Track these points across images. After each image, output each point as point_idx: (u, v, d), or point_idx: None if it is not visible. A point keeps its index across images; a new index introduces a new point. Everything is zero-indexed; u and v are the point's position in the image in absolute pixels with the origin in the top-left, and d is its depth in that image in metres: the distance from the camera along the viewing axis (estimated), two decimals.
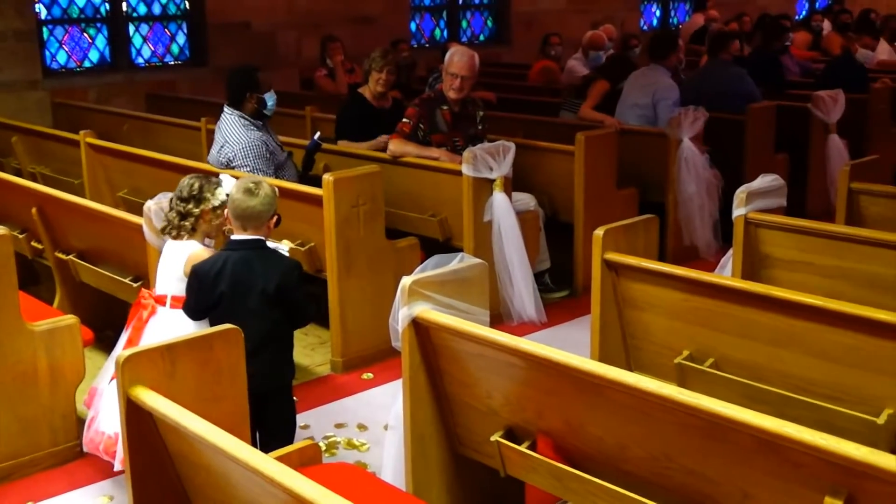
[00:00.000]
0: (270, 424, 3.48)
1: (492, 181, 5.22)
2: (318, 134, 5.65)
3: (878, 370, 3.04)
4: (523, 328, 5.24)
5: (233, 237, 3.49)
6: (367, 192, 4.78)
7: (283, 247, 3.62)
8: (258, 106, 5.24)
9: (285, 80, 9.51)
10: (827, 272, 3.97)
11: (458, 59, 5.57)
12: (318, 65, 9.27)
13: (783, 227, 4.10)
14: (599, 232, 3.64)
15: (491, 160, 5.17)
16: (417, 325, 3.05)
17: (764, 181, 4.22)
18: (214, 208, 3.59)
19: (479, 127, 5.76)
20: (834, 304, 3.16)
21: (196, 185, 3.61)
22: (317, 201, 4.75)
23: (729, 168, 6.53)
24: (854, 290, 3.82)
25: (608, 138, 5.91)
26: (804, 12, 15.85)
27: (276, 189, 3.54)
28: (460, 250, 3.87)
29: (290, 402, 3.66)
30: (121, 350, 3.65)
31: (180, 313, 3.54)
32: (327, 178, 4.68)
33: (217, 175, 3.76)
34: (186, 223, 3.62)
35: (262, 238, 3.47)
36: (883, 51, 10.29)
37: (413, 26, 11.43)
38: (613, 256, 3.64)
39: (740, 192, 4.15)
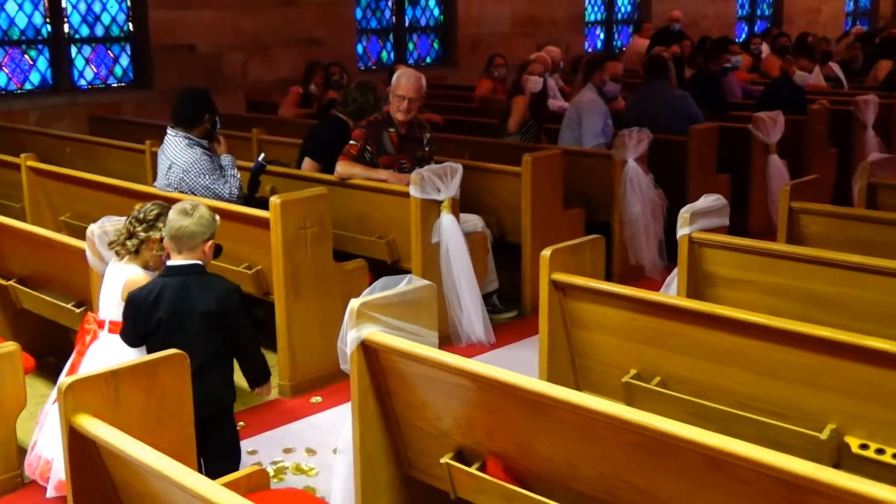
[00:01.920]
0: (214, 450, 3.43)
1: (439, 203, 5.23)
2: (262, 156, 5.62)
3: (820, 386, 3.09)
4: (472, 349, 5.24)
5: (169, 263, 3.45)
6: (314, 215, 4.76)
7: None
8: (211, 127, 5.23)
9: (231, 102, 9.47)
10: (769, 290, 4.04)
11: (405, 81, 5.59)
12: (268, 87, 9.26)
13: (726, 246, 4.17)
14: (546, 252, 3.66)
15: (438, 182, 5.19)
16: (366, 348, 3.04)
17: (707, 201, 4.28)
18: (161, 239, 3.54)
19: (426, 149, 5.78)
20: (776, 321, 3.21)
21: (154, 212, 3.60)
22: (264, 224, 4.72)
23: (673, 188, 6.62)
24: (795, 307, 3.88)
25: (554, 159, 5.96)
26: (744, 35, 16.18)
27: (217, 217, 3.50)
28: (408, 272, 3.87)
29: (231, 427, 3.61)
30: (65, 374, 3.62)
31: (119, 338, 3.50)
32: (275, 200, 4.65)
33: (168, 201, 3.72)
34: (129, 243, 3.60)
35: (200, 263, 3.42)
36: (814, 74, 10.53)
37: (360, 48, 11.45)
38: (561, 277, 3.66)
39: (684, 212, 4.21)
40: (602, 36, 14.66)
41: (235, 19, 9.94)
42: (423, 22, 12.15)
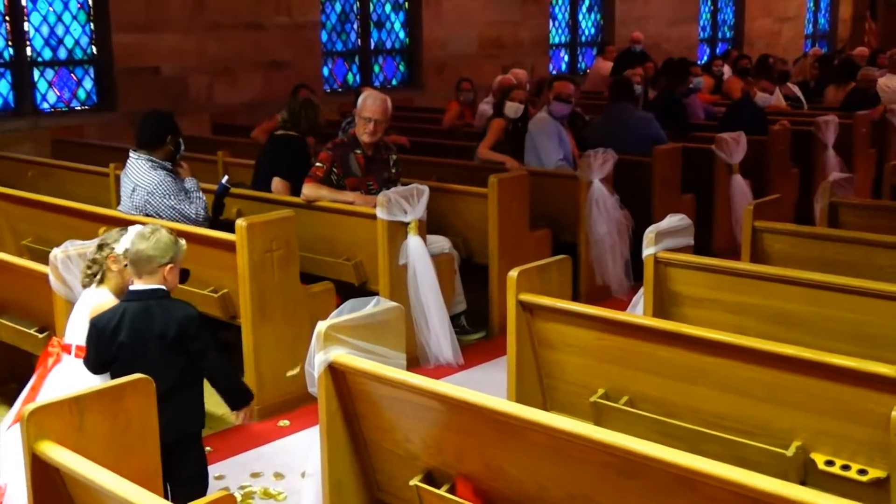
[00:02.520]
0: (181, 476, 3.39)
1: (406, 224, 5.24)
2: (226, 178, 5.60)
3: (785, 403, 3.12)
4: (440, 371, 5.23)
5: (131, 287, 3.42)
6: (281, 237, 4.74)
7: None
8: (174, 149, 5.21)
9: (196, 124, 9.42)
10: (734, 308, 4.08)
11: (370, 103, 5.60)
12: (233, 109, 9.23)
13: (691, 266, 4.20)
14: (514, 273, 3.67)
15: (405, 203, 5.19)
16: (334, 371, 3.03)
17: (672, 221, 4.31)
18: (116, 256, 3.51)
19: (393, 170, 5.78)
20: (742, 339, 3.24)
21: (113, 237, 3.57)
22: (229, 247, 4.70)
23: (638, 209, 6.67)
24: (760, 325, 3.92)
25: (521, 181, 5.99)
26: (705, 57, 16.40)
27: (181, 241, 3.47)
28: (376, 294, 3.87)
29: (199, 452, 3.57)
30: (23, 397, 3.55)
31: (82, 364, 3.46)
32: (241, 223, 4.63)
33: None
34: (90, 271, 3.60)
35: (162, 288, 3.39)
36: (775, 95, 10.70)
37: (325, 71, 11.46)
38: (528, 297, 3.67)
39: (649, 233, 4.24)
40: (566, 58, 14.79)
41: (200, 42, 9.92)
42: (388, 45, 12.19)
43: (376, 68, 12.11)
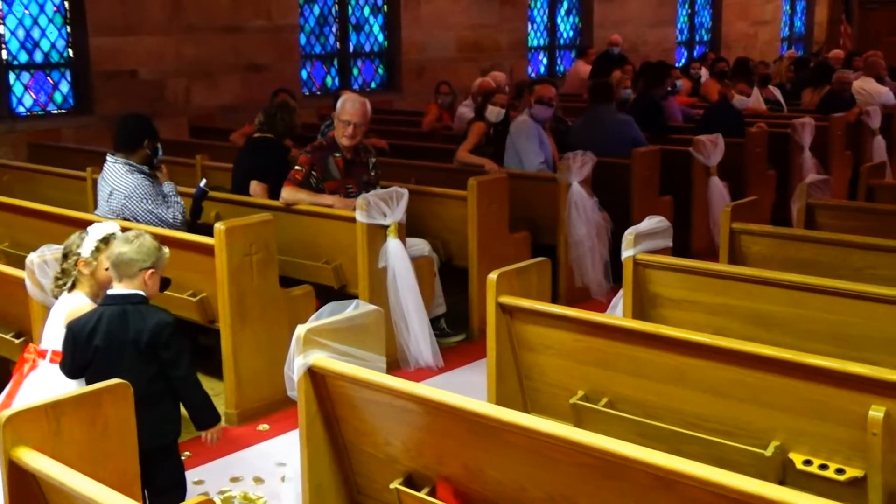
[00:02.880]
0: (159, 482, 3.38)
1: (386, 227, 5.23)
2: (204, 181, 5.58)
3: (764, 404, 3.14)
4: (420, 374, 5.23)
5: (109, 291, 3.40)
6: (259, 241, 4.73)
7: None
8: (151, 153, 5.18)
9: (174, 128, 9.38)
10: (712, 310, 4.10)
11: (349, 106, 5.59)
12: (211, 113, 9.19)
13: (670, 268, 4.22)
14: (493, 276, 3.68)
15: (384, 206, 5.19)
16: (313, 374, 3.02)
17: (650, 223, 4.33)
18: (86, 260, 3.51)
19: (372, 173, 5.78)
20: (720, 340, 3.26)
21: (71, 240, 3.57)
22: (208, 251, 4.68)
23: (617, 211, 6.70)
24: (738, 326, 3.95)
25: (500, 183, 6.00)
26: (683, 60, 16.49)
27: (164, 249, 3.45)
28: (355, 297, 3.86)
29: (176, 460, 3.54)
30: None
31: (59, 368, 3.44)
32: (219, 226, 4.61)
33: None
34: (60, 282, 3.59)
35: (140, 293, 3.36)
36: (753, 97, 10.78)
37: (304, 74, 11.44)
38: (507, 299, 3.68)
39: (628, 234, 4.26)
40: (545, 61, 14.83)
41: (178, 45, 9.87)
42: (367, 48, 12.18)
43: (355, 71, 12.09)
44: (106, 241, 3.49)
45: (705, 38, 18.10)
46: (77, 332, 3.34)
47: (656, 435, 3.28)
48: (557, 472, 2.53)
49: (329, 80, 11.87)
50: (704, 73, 12.44)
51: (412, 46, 12.28)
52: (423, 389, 2.79)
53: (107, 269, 3.46)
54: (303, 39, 11.34)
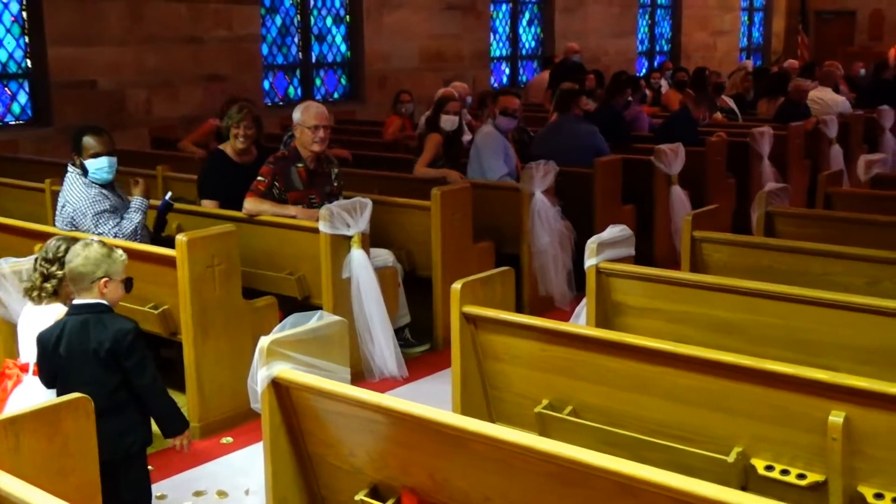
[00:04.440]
0: (122, 495, 3.35)
1: (349, 238, 5.22)
2: (169, 194, 5.54)
3: (725, 410, 3.17)
4: (385, 384, 5.22)
5: (73, 301, 3.40)
6: (222, 252, 4.70)
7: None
8: (82, 170, 5.09)
9: (135, 139, 9.31)
10: (674, 317, 4.13)
11: (315, 110, 5.59)
12: (172, 123, 9.13)
13: (632, 276, 4.25)
14: (457, 285, 3.68)
15: (348, 217, 5.18)
16: (277, 386, 3.00)
17: (613, 232, 4.36)
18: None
19: (335, 184, 5.77)
20: (682, 348, 3.29)
21: (62, 248, 3.56)
22: (170, 262, 4.64)
23: (580, 220, 6.74)
24: (700, 333, 3.98)
25: (463, 193, 6.01)
26: (644, 70, 16.65)
27: (116, 253, 3.42)
28: (319, 308, 3.85)
29: (140, 472, 3.51)
30: None
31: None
32: (181, 238, 4.58)
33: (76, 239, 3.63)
34: (48, 285, 3.58)
35: (102, 302, 3.36)
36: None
37: (266, 84, 11.40)
38: (472, 309, 3.68)
39: (591, 243, 4.28)
40: (507, 71, 14.91)
41: (138, 55, 9.80)
42: (329, 58, 12.17)
43: (318, 81, 12.08)
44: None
45: (665, 48, 18.31)
46: (44, 343, 3.35)
47: (620, 442, 3.30)
48: (522, 480, 2.53)
49: (291, 90, 11.84)
50: (664, 83, 12.57)
51: (375, 57, 12.29)
52: (388, 400, 2.78)
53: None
54: (265, 49, 11.31)
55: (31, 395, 3.45)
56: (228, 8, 10.56)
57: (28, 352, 3.58)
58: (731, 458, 3.09)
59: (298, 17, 11.75)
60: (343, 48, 12.29)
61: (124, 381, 3.33)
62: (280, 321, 3.12)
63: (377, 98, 12.15)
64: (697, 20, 18.59)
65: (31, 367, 3.54)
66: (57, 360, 3.33)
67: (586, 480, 2.35)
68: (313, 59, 11.96)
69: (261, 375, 2.99)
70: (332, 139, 6.24)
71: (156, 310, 4.78)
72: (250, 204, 5.54)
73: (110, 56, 9.58)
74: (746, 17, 20.51)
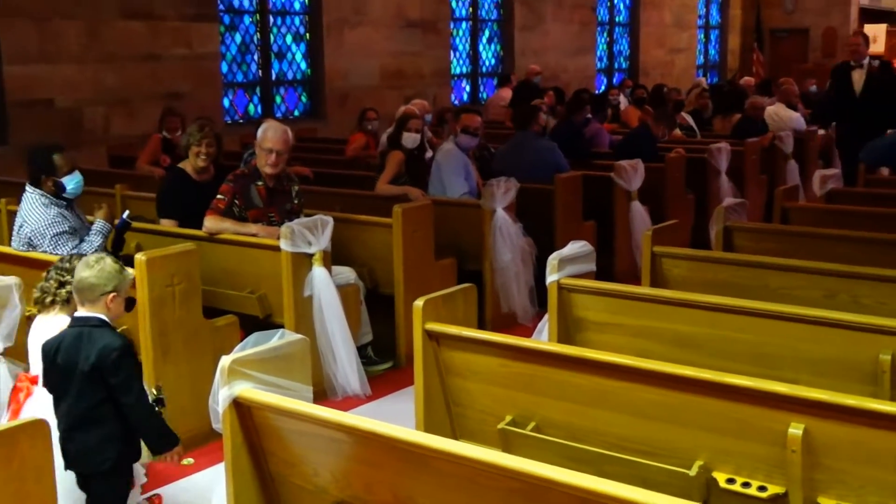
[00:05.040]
0: None
1: (311, 256, 5.20)
2: (127, 213, 5.48)
3: (687, 424, 3.19)
4: (348, 402, 5.20)
5: (75, 314, 3.47)
6: (182, 271, 4.66)
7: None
8: (56, 189, 5.05)
9: (93, 157, 9.20)
10: (635, 332, 4.16)
11: (271, 134, 5.56)
12: (131, 142, 9.05)
13: (594, 291, 4.27)
14: (419, 302, 3.68)
15: (309, 235, 5.16)
16: (238, 406, 2.97)
17: (574, 248, 4.38)
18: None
19: (295, 201, 5.75)
20: (643, 362, 3.30)
21: (77, 260, 3.65)
22: None
23: (541, 236, 6.77)
24: (661, 348, 4.01)
25: (425, 210, 6.01)
26: (603, 87, 16.82)
27: (126, 271, 3.50)
28: (281, 327, 3.82)
29: (114, 488, 3.45)
30: None
31: None
32: (140, 257, 4.53)
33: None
34: (63, 291, 3.68)
35: (99, 316, 3.40)
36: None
37: (226, 102, 11.35)
38: (434, 326, 3.68)
39: (552, 259, 4.30)
40: (468, 88, 14.98)
41: (96, 73, 9.71)
42: (290, 75, 12.15)
43: (278, 99, 12.05)
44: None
45: (624, 65, 18.51)
46: (45, 353, 3.42)
47: (583, 457, 3.31)
48: (486, 497, 2.53)
49: (252, 108, 11.80)
50: (623, 99, 12.70)
51: (335, 74, 12.29)
52: (351, 418, 2.77)
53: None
54: (224, 67, 11.26)
55: (41, 406, 3.47)
56: (187, 26, 10.51)
57: (37, 363, 3.61)
58: (692, 472, 3.11)
59: (258, 34, 11.72)
60: (303, 66, 12.27)
61: (109, 397, 3.32)
62: (241, 340, 3.10)
63: (338, 116, 12.14)
64: (655, 38, 18.83)
65: (41, 379, 3.56)
66: (54, 371, 3.38)
67: (549, 496, 2.35)
68: (273, 77, 11.93)
69: (222, 395, 2.97)
70: (293, 157, 6.21)
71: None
72: (210, 222, 5.51)
73: (68, 74, 9.48)
74: (703, 35, 20.82)
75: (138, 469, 3.60)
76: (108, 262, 3.44)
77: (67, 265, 3.71)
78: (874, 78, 8.80)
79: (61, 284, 3.69)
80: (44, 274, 3.77)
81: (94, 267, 3.40)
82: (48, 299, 3.64)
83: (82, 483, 3.34)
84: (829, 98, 9.67)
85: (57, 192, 5.05)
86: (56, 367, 3.37)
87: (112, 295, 3.41)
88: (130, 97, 9.96)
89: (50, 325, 3.61)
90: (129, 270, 3.54)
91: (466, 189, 6.94)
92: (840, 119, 9.31)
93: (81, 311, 3.43)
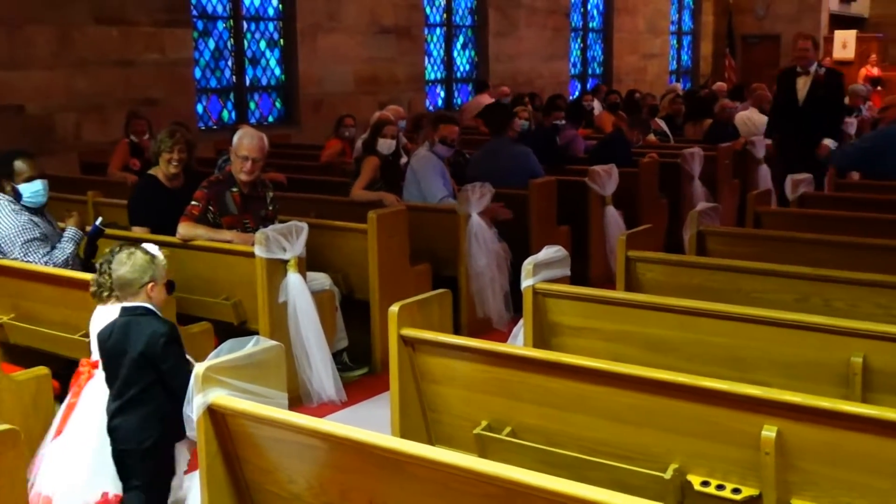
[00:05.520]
0: (133, 483, 3.57)
1: (285, 262, 5.18)
2: (99, 220, 5.44)
3: (661, 427, 3.20)
4: (323, 409, 5.18)
5: (123, 304, 3.67)
6: None
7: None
8: (14, 195, 4.99)
9: (64, 164, 9.12)
10: (610, 336, 4.17)
11: (247, 141, 5.53)
12: (103, 148, 8.99)
13: (568, 296, 4.29)
14: (395, 308, 3.67)
15: (284, 241, 5.14)
16: (213, 413, 2.96)
17: (548, 253, 4.39)
18: None
19: (270, 208, 5.72)
20: (618, 366, 3.32)
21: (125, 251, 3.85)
22: None
23: (516, 241, 6.78)
24: (636, 352, 4.03)
25: (400, 216, 6.01)
26: (577, 92, 16.89)
27: (158, 258, 3.71)
28: (255, 333, 3.80)
29: (154, 466, 3.59)
30: (62, 414, 3.82)
31: None
32: None
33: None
34: (101, 290, 3.81)
35: (144, 305, 3.63)
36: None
37: (200, 108, 11.29)
38: (409, 332, 3.68)
39: (527, 264, 4.30)
40: (443, 94, 14.99)
41: (68, 79, 9.63)
42: (264, 81, 12.11)
43: (252, 105, 12.00)
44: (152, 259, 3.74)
45: (598, 71, 18.60)
46: (100, 341, 3.68)
47: (559, 462, 3.32)
48: (462, 503, 2.52)
49: (226, 114, 11.75)
50: (597, 105, 12.76)
51: (309, 80, 12.26)
52: (327, 425, 2.76)
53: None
54: (197, 73, 11.20)
55: (101, 389, 3.71)
56: (160, 31, 10.45)
57: (96, 349, 3.84)
58: (667, 475, 3.13)
59: (231, 40, 11.67)
60: (277, 72, 12.24)
61: (156, 381, 3.52)
62: (216, 347, 3.08)
63: (312, 122, 12.11)
64: (628, 44, 18.94)
65: (101, 364, 3.78)
66: (105, 357, 3.63)
67: (526, 501, 2.36)
68: (247, 83, 11.89)
69: (196, 402, 2.95)
70: (268, 163, 6.19)
71: (86, 338, 4.67)
72: (184, 229, 5.48)
73: (38, 80, 9.40)
74: (675, 41, 20.98)
75: (182, 451, 3.69)
76: (139, 255, 3.65)
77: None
78: (819, 85, 8.29)
79: (99, 285, 3.85)
80: (97, 268, 3.95)
81: (126, 263, 3.62)
82: (104, 293, 3.81)
83: (125, 462, 3.56)
84: (773, 105, 9.26)
85: (15, 198, 5.00)
86: (107, 353, 3.60)
87: (150, 285, 3.64)
88: (103, 103, 9.89)
89: (106, 314, 3.80)
90: (161, 256, 3.72)
91: (446, 192, 6.93)
92: (782, 127, 8.69)
93: (128, 302, 3.64)
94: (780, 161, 8.78)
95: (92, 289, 3.87)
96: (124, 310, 3.63)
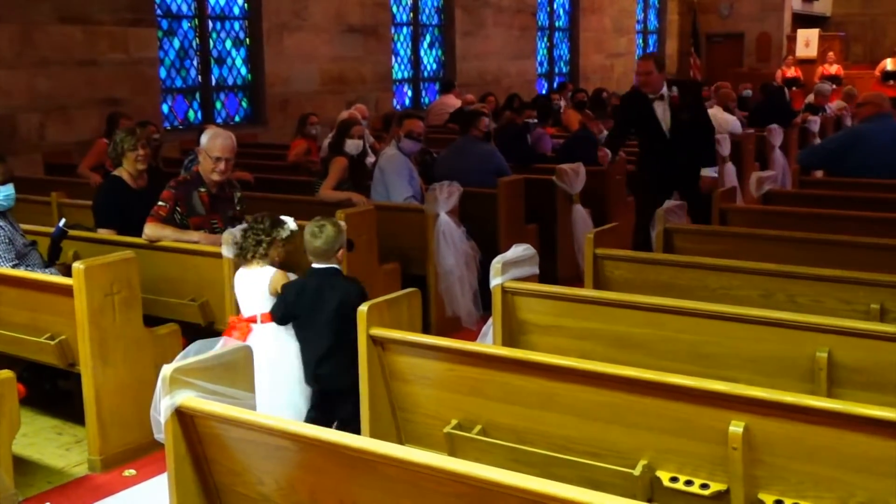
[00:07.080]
0: (341, 417, 4.17)
1: None
2: (63, 221, 5.38)
3: (630, 424, 3.22)
4: None
5: (312, 266, 4.33)
6: (121, 279, 4.58)
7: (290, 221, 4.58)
8: None
9: (28, 165, 9.03)
10: (579, 334, 4.19)
11: (220, 142, 5.47)
12: (67, 149, 8.89)
13: (537, 294, 4.30)
14: (364, 308, 3.67)
15: None
16: (181, 415, 2.94)
17: (517, 251, 4.40)
18: (282, 240, 4.50)
19: (238, 208, 5.69)
20: (586, 364, 3.33)
21: (268, 221, 4.52)
22: (67, 291, 4.50)
23: (485, 240, 6.79)
24: (604, 349, 4.05)
25: (368, 215, 6.00)
26: (544, 91, 16.94)
27: (341, 226, 4.37)
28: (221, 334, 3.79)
29: (355, 402, 3.83)
30: None
31: (272, 326, 4.36)
32: (77, 266, 4.45)
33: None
34: (260, 248, 4.47)
35: (335, 267, 4.32)
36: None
37: (165, 108, 11.21)
38: (379, 331, 3.67)
39: (496, 263, 4.31)
40: (410, 93, 14.99)
41: (30, 79, 9.52)
42: (230, 81, 12.05)
43: (218, 105, 11.93)
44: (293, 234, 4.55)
45: (564, 69, 18.68)
46: (290, 292, 4.33)
47: (529, 460, 3.33)
48: (433, 502, 2.52)
49: (192, 114, 11.67)
50: (563, 103, 12.81)
51: (276, 79, 12.21)
52: (295, 425, 2.75)
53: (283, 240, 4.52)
54: (163, 73, 11.12)
55: (266, 340, 4.31)
56: (124, 31, 10.36)
57: (249, 307, 4.44)
58: (637, 472, 3.15)
59: (197, 39, 11.60)
60: (243, 71, 12.18)
61: (346, 330, 3.95)
62: (183, 348, 3.06)
63: (279, 121, 12.07)
64: (594, 43, 19.04)
65: (259, 318, 4.38)
66: (292, 309, 4.29)
67: (497, 499, 2.36)
68: (213, 82, 11.81)
69: (164, 405, 2.93)
70: (235, 162, 6.15)
71: (52, 340, 4.63)
72: (151, 229, 5.43)
73: (1, 80, 9.28)
74: (641, 40, 21.13)
75: None
76: (329, 227, 4.28)
77: (261, 225, 4.48)
78: (679, 109, 7.10)
79: (258, 243, 4.46)
80: (238, 234, 4.60)
81: (320, 237, 4.26)
82: (249, 255, 4.44)
83: (332, 402, 4.25)
84: (614, 131, 7.89)
85: None
86: (298, 306, 4.25)
87: (342, 250, 4.35)
88: (66, 104, 9.79)
89: (253, 275, 4.46)
90: (342, 223, 4.38)
91: (410, 193, 6.92)
92: (649, 163, 7.40)
93: (317, 264, 4.30)
94: (648, 199, 7.03)
95: (235, 251, 4.54)
96: (316, 271, 4.30)
